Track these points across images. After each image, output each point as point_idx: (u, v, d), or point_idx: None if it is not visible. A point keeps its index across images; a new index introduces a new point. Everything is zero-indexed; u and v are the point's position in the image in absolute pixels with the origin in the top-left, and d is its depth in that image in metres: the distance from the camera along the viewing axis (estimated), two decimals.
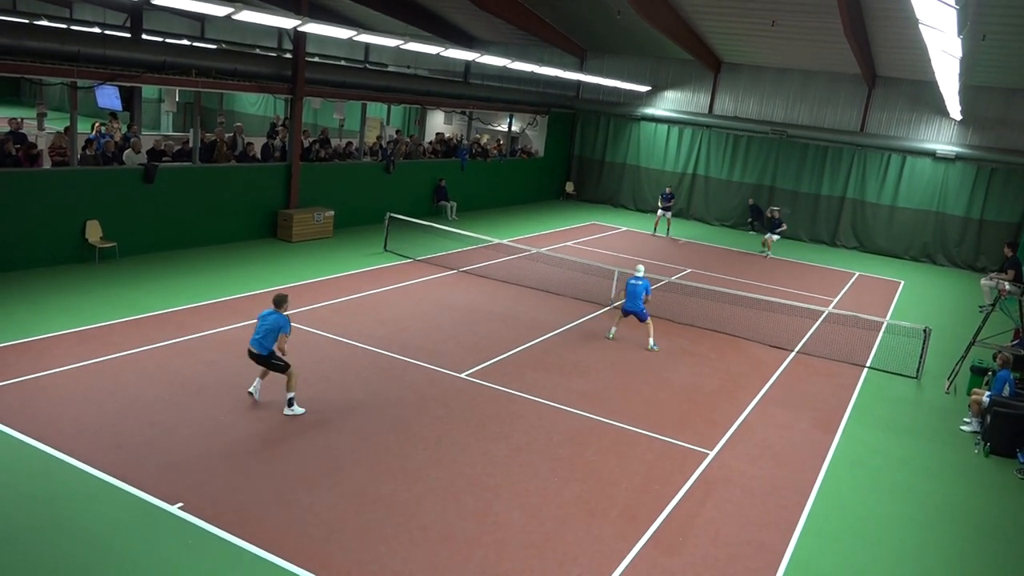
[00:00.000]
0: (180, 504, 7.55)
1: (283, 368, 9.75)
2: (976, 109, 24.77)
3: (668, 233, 25.64)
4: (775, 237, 24.30)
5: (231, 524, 7.33)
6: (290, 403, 9.78)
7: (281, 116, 25.50)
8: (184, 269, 15.42)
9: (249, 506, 7.68)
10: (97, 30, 25.70)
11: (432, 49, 20.09)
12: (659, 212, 25.91)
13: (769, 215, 25.13)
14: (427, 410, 10.31)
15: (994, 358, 12.73)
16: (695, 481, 9.22)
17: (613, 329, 14.21)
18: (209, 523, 7.30)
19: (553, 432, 10.06)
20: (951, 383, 13.64)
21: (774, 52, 26.14)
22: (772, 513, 8.70)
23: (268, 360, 9.72)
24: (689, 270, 20.62)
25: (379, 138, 24.77)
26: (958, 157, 25.36)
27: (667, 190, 26.49)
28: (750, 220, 27.68)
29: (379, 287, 15.73)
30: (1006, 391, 11.49)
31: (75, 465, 8.01)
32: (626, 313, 13.91)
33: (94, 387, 9.81)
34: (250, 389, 10.09)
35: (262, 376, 10.09)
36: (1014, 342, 14.86)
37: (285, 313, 9.75)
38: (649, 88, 29.76)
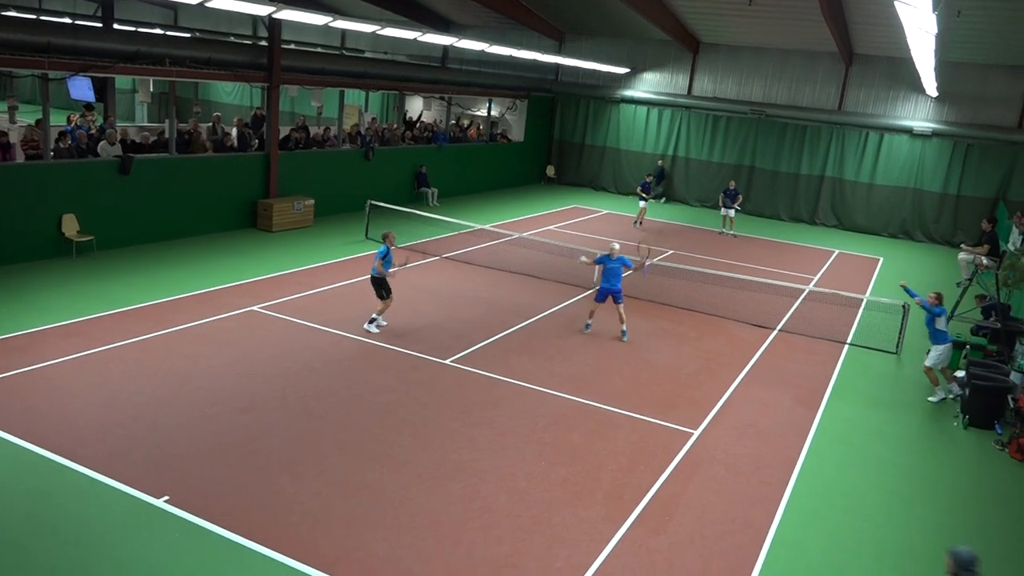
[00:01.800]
0: (166, 497, 7.53)
1: (382, 296, 12.47)
2: (952, 85, 24.95)
3: (733, 230, 24.13)
4: (732, 213, 24.10)
5: (218, 516, 7.32)
6: (371, 320, 12.53)
7: (257, 105, 25.26)
8: (163, 261, 15.29)
9: (235, 497, 7.67)
10: (68, 20, 25.31)
11: (409, 34, 19.94)
12: (722, 211, 24.15)
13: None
14: (412, 397, 10.32)
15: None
16: (680, 461, 9.30)
17: (590, 323, 13.64)
18: (196, 515, 7.28)
19: (538, 416, 10.11)
20: None
21: (751, 31, 26.17)
22: (757, 490, 8.80)
23: (377, 284, 12.43)
24: (670, 251, 20.70)
25: (355, 125, 24.60)
26: (935, 134, 25.57)
27: (731, 185, 24.66)
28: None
29: (361, 275, 15.67)
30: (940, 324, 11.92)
31: (59, 461, 7.96)
32: (603, 297, 13.32)
33: (76, 382, 9.73)
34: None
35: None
36: (980, 308, 15.05)
37: (391, 248, 12.45)
38: (628, 70, 29.73)
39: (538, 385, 11.08)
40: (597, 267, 14.00)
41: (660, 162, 29.49)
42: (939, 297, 11.94)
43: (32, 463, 7.91)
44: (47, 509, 7.22)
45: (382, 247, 12.41)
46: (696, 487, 8.73)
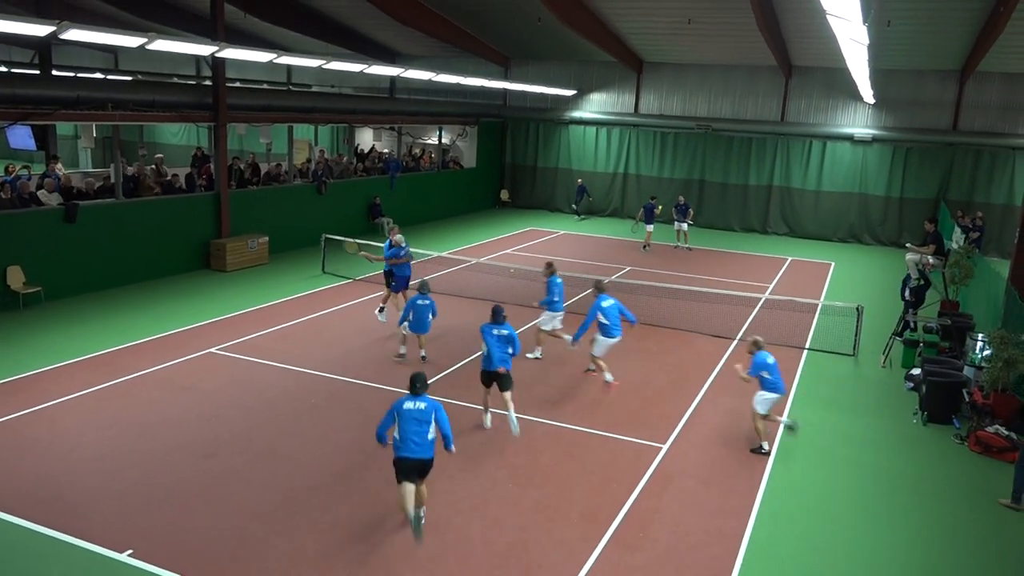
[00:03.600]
0: (130, 551, 7.29)
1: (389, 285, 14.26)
2: (888, 92, 25.78)
3: (688, 243, 24.50)
4: (685, 227, 24.37)
5: (185, 567, 7.11)
6: (380, 309, 14.26)
7: (204, 146, 24.99)
8: (115, 308, 14.95)
9: (202, 545, 7.46)
10: (3, 68, 24.82)
11: (355, 67, 19.97)
12: (675, 226, 24.47)
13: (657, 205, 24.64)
14: None
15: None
16: (651, 475, 9.32)
17: (539, 349, 13.21)
18: (162, 567, 7.07)
19: (507, 441, 10.05)
20: (886, 357, 14.11)
21: (693, 49, 26.76)
22: (728, 500, 8.85)
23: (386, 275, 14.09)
24: (628, 268, 20.89)
25: (307, 160, 24.47)
26: (875, 139, 26.35)
27: (681, 200, 24.88)
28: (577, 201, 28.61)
29: (321, 310, 15.51)
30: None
31: (15, 523, 7.66)
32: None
33: (28, 438, 9.41)
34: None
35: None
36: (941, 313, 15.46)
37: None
38: (575, 92, 30.13)
39: (505, 409, 11.01)
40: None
41: (580, 180, 29.79)
42: (756, 344, 10.26)
43: None
44: (5, 574, 6.94)
45: (386, 242, 14.24)
46: (669, 501, 8.75)
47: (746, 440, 10.45)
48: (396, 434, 7.57)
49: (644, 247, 24.00)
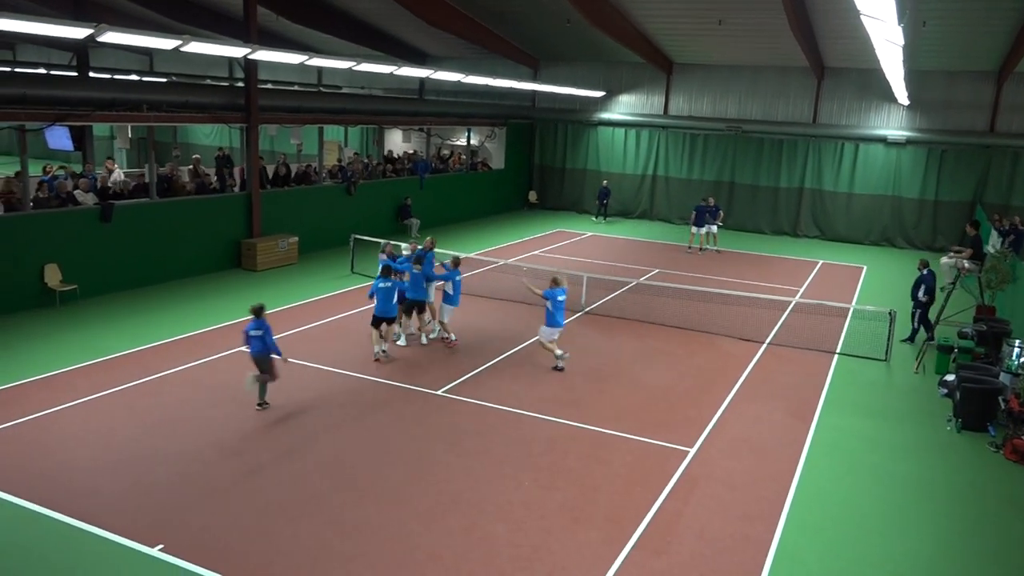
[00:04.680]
0: (161, 546, 7.41)
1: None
2: (922, 93, 25.35)
3: (716, 246, 24.27)
4: (715, 229, 24.23)
5: (215, 561, 7.21)
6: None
7: (228, 146, 25.30)
8: (149, 307, 15.19)
9: (231, 541, 7.56)
10: (43, 71, 25.35)
11: (385, 68, 20.10)
12: (704, 228, 23.99)
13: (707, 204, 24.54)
14: (405, 430, 10.25)
15: None
16: (677, 480, 9.26)
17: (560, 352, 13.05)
18: (192, 563, 7.17)
19: (532, 442, 10.05)
20: (919, 363, 13.88)
21: (723, 50, 26.54)
22: (755, 505, 8.77)
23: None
24: (656, 270, 20.77)
25: (338, 162, 24.69)
26: (909, 141, 25.93)
27: (711, 202, 24.61)
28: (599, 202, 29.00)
29: (349, 310, 15.62)
30: None
31: (50, 515, 7.82)
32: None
33: (63, 434, 9.61)
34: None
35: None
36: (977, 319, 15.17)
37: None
38: (604, 93, 30.04)
39: (531, 411, 11.04)
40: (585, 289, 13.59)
41: (605, 182, 29.57)
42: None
43: (22, 518, 7.77)
44: (39, 565, 7.08)
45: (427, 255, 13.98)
46: (695, 505, 8.69)
47: (775, 445, 10.35)
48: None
49: (694, 249, 23.90)
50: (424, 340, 13.77)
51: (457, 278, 13.61)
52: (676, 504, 8.69)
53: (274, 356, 10.58)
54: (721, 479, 9.34)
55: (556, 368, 12.73)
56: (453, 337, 13.67)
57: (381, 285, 12.63)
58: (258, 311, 10.59)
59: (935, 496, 9.33)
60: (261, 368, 10.54)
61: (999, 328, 13.73)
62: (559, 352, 12.75)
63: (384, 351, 12.82)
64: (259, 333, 10.48)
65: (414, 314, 13.75)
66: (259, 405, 10.59)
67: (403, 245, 14.88)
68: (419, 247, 14.32)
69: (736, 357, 14.00)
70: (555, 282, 12.85)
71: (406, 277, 13.31)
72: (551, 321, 12.76)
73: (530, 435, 10.24)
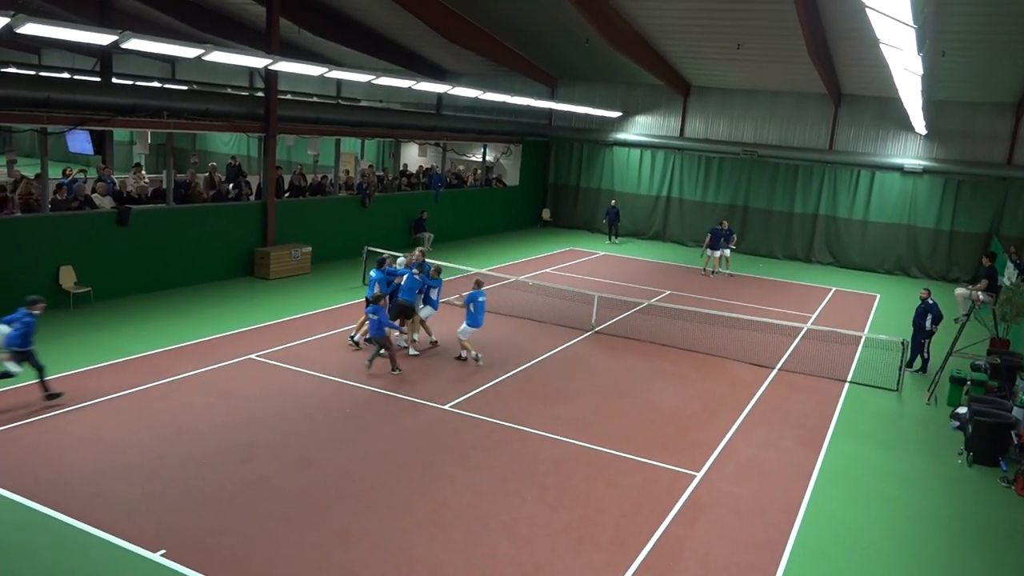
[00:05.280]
0: (163, 551, 7.40)
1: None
2: (940, 123, 25.29)
3: (729, 269, 24.23)
4: (728, 252, 24.20)
5: (216, 569, 7.19)
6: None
7: (245, 155, 25.47)
8: (161, 311, 15.27)
9: (233, 549, 7.54)
10: (66, 75, 25.68)
11: (404, 83, 20.24)
12: (717, 252, 23.90)
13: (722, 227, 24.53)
14: (411, 443, 10.23)
15: None
16: (683, 504, 9.19)
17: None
18: (193, 569, 7.16)
19: (539, 460, 10.01)
20: (931, 394, 13.76)
21: (741, 74, 26.60)
22: (761, 533, 8.68)
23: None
24: (668, 292, 20.73)
25: (360, 171, 24.83)
26: (925, 171, 25.84)
27: (724, 225, 24.59)
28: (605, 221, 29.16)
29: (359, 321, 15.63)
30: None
31: (53, 516, 7.84)
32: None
33: (70, 435, 9.64)
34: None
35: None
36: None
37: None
38: (620, 114, 30.13)
39: (538, 429, 11.00)
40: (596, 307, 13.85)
41: (613, 201, 29.53)
42: (420, 263, 14.07)
43: (25, 519, 7.79)
44: (41, 565, 7.08)
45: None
46: (700, 531, 8.61)
47: (783, 472, 10.26)
48: None
49: (708, 272, 23.88)
50: (413, 352, 13.90)
51: (439, 287, 14.41)
52: (681, 529, 8.62)
53: (387, 329, 12.63)
54: (728, 505, 9.26)
55: (459, 358, 13.63)
56: (433, 338, 14.30)
57: (372, 316, 12.91)
58: (377, 299, 12.82)
59: (944, 529, 9.21)
60: (380, 344, 12.57)
61: (1013, 362, 13.60)
62: (475, 353, 13.57)
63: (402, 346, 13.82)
64: (375, 317, 12.48)
65: (407, 324, 13.95)
66: (393, 370, 12.61)
67: (400, 259, 15.03)
68: (415, 260, 14.50)
69: (746, 381, 13.92)
70: (478, 284, 13.76)
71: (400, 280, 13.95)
72: (472, 321, 13.61)
73: (537, 453, 10.20)
